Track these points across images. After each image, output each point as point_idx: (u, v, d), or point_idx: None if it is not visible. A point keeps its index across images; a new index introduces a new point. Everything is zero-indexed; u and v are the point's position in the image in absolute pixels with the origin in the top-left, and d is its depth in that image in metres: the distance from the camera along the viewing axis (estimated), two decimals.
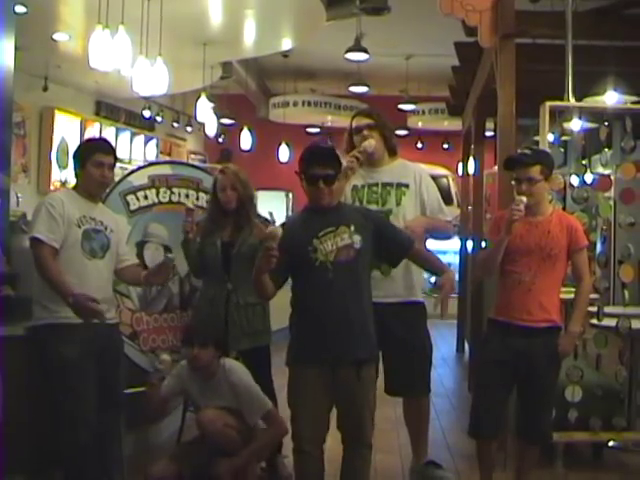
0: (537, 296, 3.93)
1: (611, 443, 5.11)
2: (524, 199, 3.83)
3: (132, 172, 4.82)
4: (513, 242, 3.94)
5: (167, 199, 4.81)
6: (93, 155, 3.79)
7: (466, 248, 9.41)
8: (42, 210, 3.69)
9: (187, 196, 4.86)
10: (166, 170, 4.92)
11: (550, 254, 3.94)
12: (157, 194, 4.78)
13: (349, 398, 3.51)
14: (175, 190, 4.84)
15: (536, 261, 3.94)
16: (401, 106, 13.97)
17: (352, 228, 3.49)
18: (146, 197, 4.74)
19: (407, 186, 4.33)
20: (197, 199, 4.88)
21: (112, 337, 3.92)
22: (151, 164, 5.38)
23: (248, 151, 14.13)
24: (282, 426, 4.10)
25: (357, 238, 3.47)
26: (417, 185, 4.37)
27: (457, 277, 10.63)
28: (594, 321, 4.99)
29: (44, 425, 3.78)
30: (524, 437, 4.10)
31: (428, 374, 4.46)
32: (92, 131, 11.56)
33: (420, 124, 14.80)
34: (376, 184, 4.22)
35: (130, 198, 4.66)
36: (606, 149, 5.03)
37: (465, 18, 5.18)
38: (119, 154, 4.14)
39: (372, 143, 4.27)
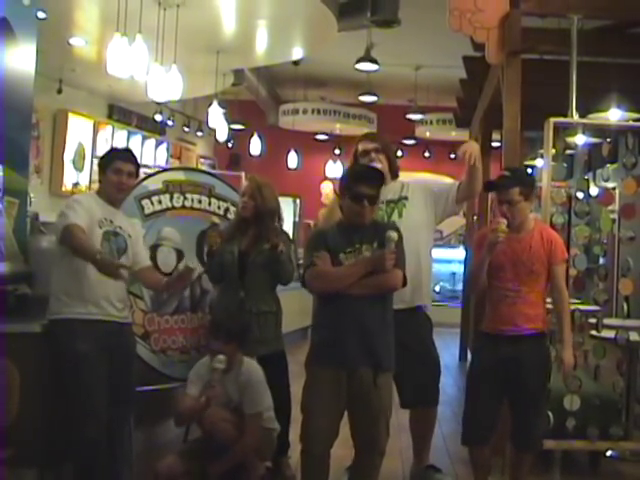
0: (522, 309, 4.04)
1: (608, 452, 5.22)
2: (505, 221, 3.95)
3: (147, 177, 4.95)
4: (497, 258, 4.06)
5: (180, 204, 4.94)
6: (113, 162, 4.02)
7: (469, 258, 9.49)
8: (69, 205, 3.89)
9: (200, 201, 4.99)
10: (180, 176, 5.06)
11: (532, 269, 4.04)
12: (171, 199, 4.91)
13: (365, 404, 3.62)
14: (188, 196, 4.97)
15: (520, 275, 4.05)
16: (409, 115, 14.09)
17: (375, 245, 3.66)
18: (160, 202, 4.87)
19: (406, 198, 4.51)
20: (209, 205, 5.02)
21: (125, 335, 4.05)
22: (165, 170, 5.51)
23: (258, 157, 14.28)
24: (253, 436, 4.22)
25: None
26: (417, 193, 4.54)
27: (461, 286, 10.77)
28: (593, 332, 5.12)
29: (56, 420, 3.87)
30: (515, 445, 4.21)
31: (437, 385, 4.62)
32: (104, 134, 11.67)
33: (428, 134, 14.88)
34: (382, 202, 4.34)
35: (145, 202, 4.79)
36: (608, 165, 5.15)
37: (473, 35, 5.29)
38: None
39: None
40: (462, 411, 4.28)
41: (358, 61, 9.70)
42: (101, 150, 11.01)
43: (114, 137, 11.96)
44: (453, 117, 11.94)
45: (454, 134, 13.73)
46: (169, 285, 4.25)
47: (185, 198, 4.96)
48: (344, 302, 3.61)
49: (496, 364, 4.03)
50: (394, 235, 3.60)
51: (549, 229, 4.34)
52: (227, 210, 5.06)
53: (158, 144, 13.53)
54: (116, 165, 3.99)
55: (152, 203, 4.83)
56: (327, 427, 3.65)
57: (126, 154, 4.16)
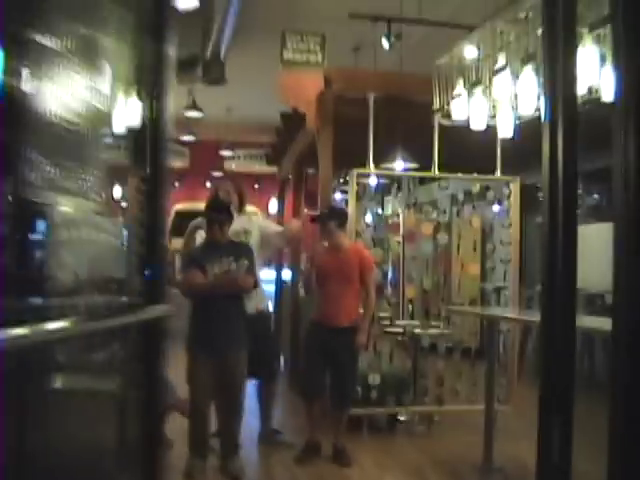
0: (343, 306, 5.59)
1: (402, 417, 6.63)
2: (325, 244, 5.61)
3: None
4: (324, 269, 5.64)
5: None
6: None
7: (281, 277, 10.49)
8: None
9: None
10: None
11: (349, 277, 5.60)
12: None
13: (230, 375, 5.08)
14: None
15: (340, 281, 5.60)
16: (221, 152, 15.43)
17: (231, 258, 5.09)
18: None
19: (249, 232, 5.82)
20: None
21: None
22: None
23: None
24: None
25: (241, 264, 5.05)
26: (256, 228, 5.92)
27: (272, 302, 11.81)
28: (388, 329, 6.69)
29: None
30: (335, 404, 5.66)
31: (278, 364, 6.23)
32: None
33: (234, 166, 16.04)
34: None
35: None
36: (392, 200, 6.72)
37: (297, 106, 6.69)
38: None
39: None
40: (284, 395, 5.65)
41: (186, 109, 10.97)
42: None
43: None
44: (260, 152, 13.14)
45: (257, 167, 15.23)
46: None
47: None
48: (214, 305, 5.02)
49: (321, 344, 5.57)
50: (246, 262, 5.10)
51: (360, 247, 5.89)
52: None
53: None
54: None
55: None
56: (207, 389, 5.06)
57: None
